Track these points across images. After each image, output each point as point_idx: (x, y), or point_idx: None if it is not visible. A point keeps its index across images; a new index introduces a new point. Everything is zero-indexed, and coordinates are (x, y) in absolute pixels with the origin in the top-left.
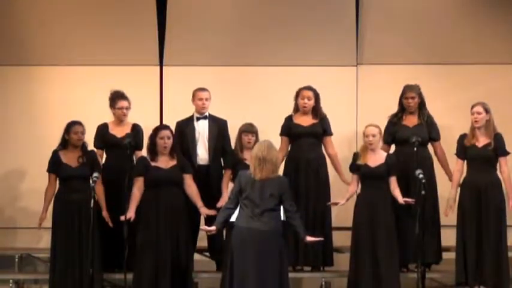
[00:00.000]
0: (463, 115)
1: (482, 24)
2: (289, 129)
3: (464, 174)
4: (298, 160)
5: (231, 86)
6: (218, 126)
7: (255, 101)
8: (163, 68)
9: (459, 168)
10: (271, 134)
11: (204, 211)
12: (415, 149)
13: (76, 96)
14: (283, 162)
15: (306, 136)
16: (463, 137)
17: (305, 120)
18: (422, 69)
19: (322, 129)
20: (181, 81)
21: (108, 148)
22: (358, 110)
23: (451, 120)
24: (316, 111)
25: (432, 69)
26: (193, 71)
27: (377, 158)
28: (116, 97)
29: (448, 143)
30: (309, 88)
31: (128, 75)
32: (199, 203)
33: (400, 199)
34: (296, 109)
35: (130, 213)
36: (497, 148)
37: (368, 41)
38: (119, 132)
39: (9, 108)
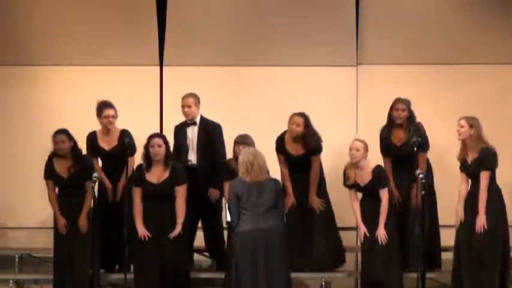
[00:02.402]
0: (463, 115)
1: (482, 24)
2: (282, 150)
3: None
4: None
5: (230, 86)
6: (207, 132)
7: (255, 101)
8: (163, 68)
9: (462, 181)
10: (271, 134)
11: (177, 230)
12: (415, 149)
13: (76, 96)
14: None
15: (297, 164)
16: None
17: (295, 149)
18: (422, 69)
19: (309, 157)
20: (181, 81)
21: (100, 158)
22: (358, 110)
23: (451, 120)
24: (306, 138)
25: (432, 69)
26: (193, 71)
27: (364, 175)
28: (102, 106)
29: (447, 144)
30: (299, 114)
31: (128, 75)
32: (179, 219)
33: (380, 229)
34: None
35: (143, 230)
36: (479, 162)
37: (368, 41)
38: (108, 144)
39: (9, 108)
